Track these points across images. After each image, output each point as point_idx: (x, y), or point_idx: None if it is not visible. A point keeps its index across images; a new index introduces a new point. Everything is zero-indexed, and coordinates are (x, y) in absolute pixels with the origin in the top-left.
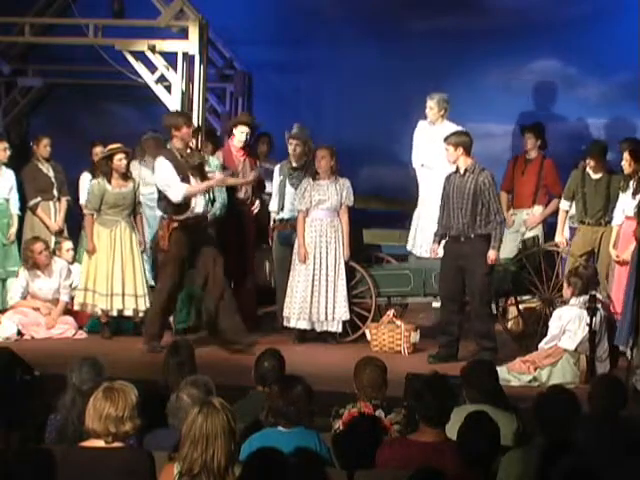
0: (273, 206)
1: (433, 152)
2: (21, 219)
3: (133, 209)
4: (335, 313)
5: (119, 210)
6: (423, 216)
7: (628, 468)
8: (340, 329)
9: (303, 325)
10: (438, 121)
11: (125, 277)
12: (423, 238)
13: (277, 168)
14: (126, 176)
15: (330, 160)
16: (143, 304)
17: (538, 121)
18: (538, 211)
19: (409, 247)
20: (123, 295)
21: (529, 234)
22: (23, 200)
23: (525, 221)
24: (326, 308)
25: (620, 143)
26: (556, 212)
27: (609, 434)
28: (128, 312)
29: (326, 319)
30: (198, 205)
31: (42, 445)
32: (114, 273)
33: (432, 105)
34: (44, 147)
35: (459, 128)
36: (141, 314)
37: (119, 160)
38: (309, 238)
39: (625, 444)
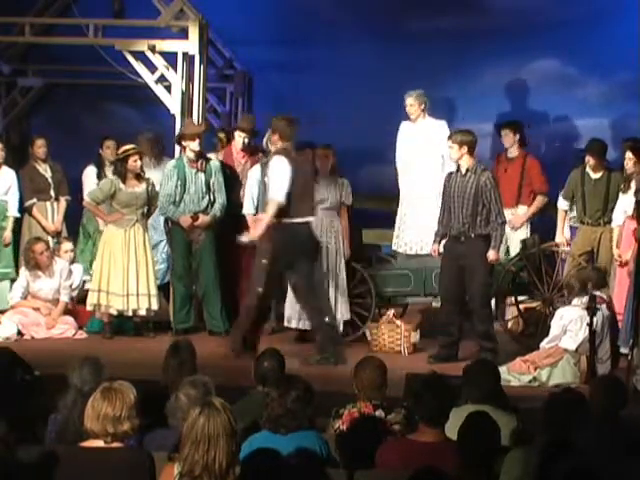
0: (249, 208)
1: (415, 150)
2: (19, 220)
3: (148, 209)
4: (336, 313)
5: (133, 209)
6: (408, 214)
7: (628, 468)
8: (341, 329)
9: (305, 326)
10: (420, 117)
11: (139, 277)
12: (408, 236)
13: (256, 169)
14: (139, 176)
15: (331, 160)
16: (155, 303)
17: (514, 119)
18: (522, 211)
19: (394, 247)
20: (137, 295)
21: (516, 235)
22: (23, 201)
23: (509, 221)
24: None
25: (623, 142)
26: (540, 210)
27: (609, 434)
28: (142, 312)
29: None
30: None
31: (42, 445)
32: (129, 273)
33: (412, 102)
34: (39, 148)
35: (442, 122)
36: (152, 313)
37: (134, 161)
38: None
39: (625, 444)
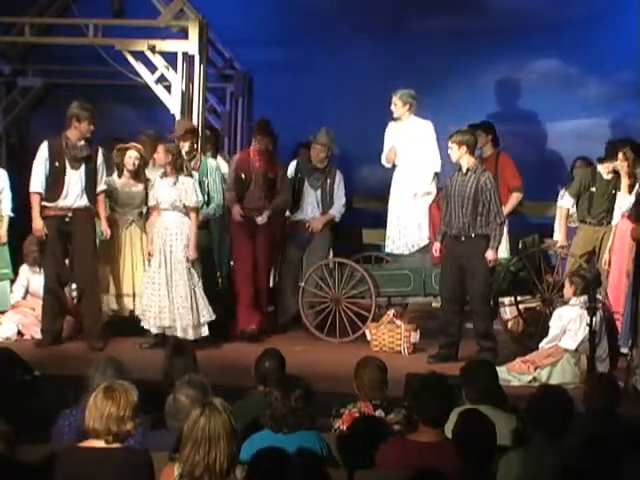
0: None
1: (399, 149)
2: (12, 220)
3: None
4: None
5: (129, 209)
6: (401, 215)
7: (626, 466)
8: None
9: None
10: (405, 116)
11: (135, 278)
12: (406, 236)
13: (293, 164)
14: (137, 176)
15: None
16: None
17: (486, 120)
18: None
19: (387, 249)
20: (133, 295)
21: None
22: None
23: None
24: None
25: (609, 144)
26: (517, 206)
27: (605, 432)
28: (138, 312)
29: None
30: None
31: (41, 445)
32: (124, 274)
33: (395, 101)
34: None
35: (427, 122)
36: None
37: (129, 157)
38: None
39: (622, 442)
